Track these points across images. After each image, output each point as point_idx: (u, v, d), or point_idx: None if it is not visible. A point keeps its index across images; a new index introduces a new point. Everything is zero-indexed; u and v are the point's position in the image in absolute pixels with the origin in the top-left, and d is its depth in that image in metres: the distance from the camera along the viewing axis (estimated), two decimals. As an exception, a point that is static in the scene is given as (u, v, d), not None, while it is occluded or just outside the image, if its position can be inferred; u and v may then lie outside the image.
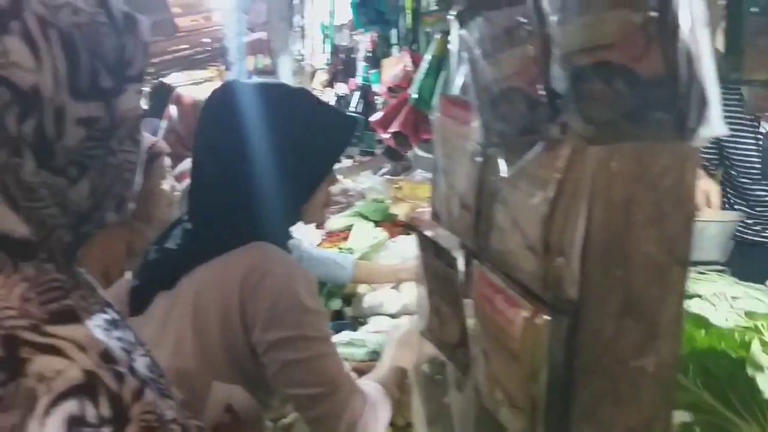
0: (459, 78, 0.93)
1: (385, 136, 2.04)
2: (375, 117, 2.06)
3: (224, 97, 1.11)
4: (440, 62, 1.54)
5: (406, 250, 2.07)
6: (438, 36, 1.56)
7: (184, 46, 6.25)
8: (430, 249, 0.89)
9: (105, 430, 0.46)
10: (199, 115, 1.15)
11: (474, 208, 0.79)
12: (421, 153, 1.90)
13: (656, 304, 0.60)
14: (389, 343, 1.18)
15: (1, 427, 0.43)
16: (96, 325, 0.54)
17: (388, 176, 3.01)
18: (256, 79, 1.25)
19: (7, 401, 0.44)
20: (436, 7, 1.77)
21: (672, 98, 0.46)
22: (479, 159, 0.78)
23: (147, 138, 1.68)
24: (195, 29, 5.76)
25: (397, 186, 2.68)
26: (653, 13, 0.44)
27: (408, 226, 2.44)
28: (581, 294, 0.62)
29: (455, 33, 0.95)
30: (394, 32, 2.11)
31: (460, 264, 0.85)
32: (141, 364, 0.57)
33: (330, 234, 2.41)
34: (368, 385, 1.10)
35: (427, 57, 1.59)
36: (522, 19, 0.62)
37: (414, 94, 1.65)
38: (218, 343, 1.01)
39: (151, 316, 1.08)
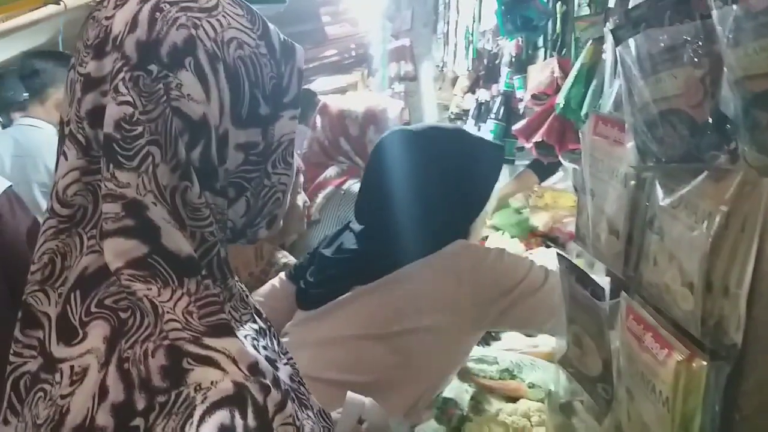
0: (612, 93, 0.88)
1: (528, 145, 1.97)
2: (518, 126, 1.99)
3: (395, 145, 1.33)
4: (591, 70, 1.46)
5: (545, 263, 1.99)
6: (590, 43, 1.47)
7: (332, 52, 6.51)
8: (573, 274, 0.84)
9: None
10: (375, 158, 1.36)
11: (624, 235, 0.74)
12: (566, 163, 1.81)
13: (838, 358, 0.53)
14: None
15: None
16: (246, 335, 0.58)
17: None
18: (421, 126, 1.42)
19: (169, 407, 0.48)
20: (587, 11, 1.67)
21: None
22: (633, 183, 0.73)
23: None
24: (342, 36, 5.98)
25: (537, 194, 2.56)
26: None
27: (547, 237, 2.34)
28: (747, 339, 0.56)
29: (610, 46, 0.90)
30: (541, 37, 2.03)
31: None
32: (284, 373, 0.60)
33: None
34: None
35: (577, 65, 1.51)
36: (688, 38, 0.57)
37: (561, 102, 1.57)
38: (425, 328, 1.21)
39: (341, 306, 1.28)
